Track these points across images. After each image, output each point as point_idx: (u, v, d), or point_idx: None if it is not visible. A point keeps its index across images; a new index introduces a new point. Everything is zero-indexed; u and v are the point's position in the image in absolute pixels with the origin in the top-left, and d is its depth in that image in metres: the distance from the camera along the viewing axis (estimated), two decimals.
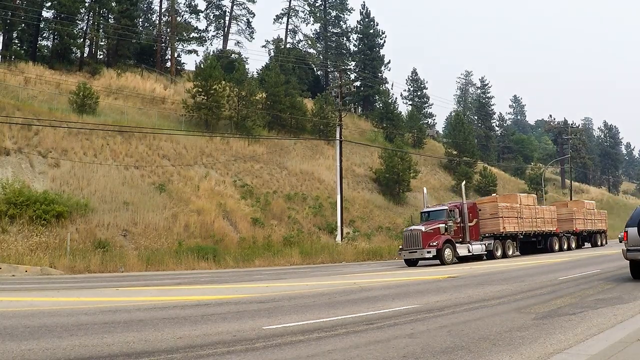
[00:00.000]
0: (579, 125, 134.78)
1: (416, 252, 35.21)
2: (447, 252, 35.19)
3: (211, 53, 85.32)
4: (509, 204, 42.03)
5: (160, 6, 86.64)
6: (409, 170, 67.82)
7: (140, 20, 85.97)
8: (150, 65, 77.68)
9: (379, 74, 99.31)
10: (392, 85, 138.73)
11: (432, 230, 35.76)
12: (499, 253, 39.77)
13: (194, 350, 8.99)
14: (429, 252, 34.64)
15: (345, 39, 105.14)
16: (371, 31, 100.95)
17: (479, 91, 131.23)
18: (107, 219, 39.78)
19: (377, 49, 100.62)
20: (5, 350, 8.92)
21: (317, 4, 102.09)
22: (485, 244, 38.88)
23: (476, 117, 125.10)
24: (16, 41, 68.79)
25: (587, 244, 52.62)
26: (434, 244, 34.80)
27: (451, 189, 77.31)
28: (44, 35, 71.05)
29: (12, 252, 33.08)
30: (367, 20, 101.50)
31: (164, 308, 14.99)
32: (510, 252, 41.04)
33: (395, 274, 27.93)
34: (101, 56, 78.41)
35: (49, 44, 71.37)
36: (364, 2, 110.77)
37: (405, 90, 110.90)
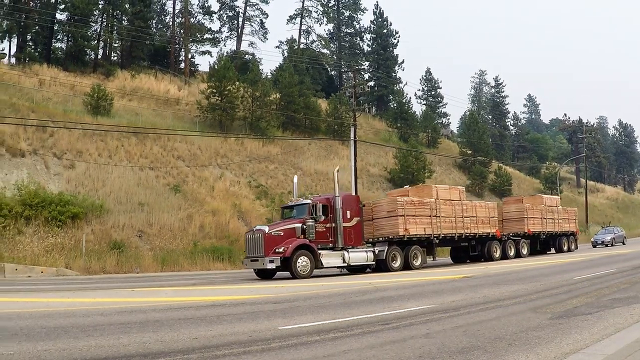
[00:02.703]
0: (593, 124, 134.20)
1: (258, 260, 27.38)
2: (302, 262, 27.03)
3: (225, 54, 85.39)
4: (417, 199, 33.27)
5: (174, 7, 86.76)
6: (424, 170, 67.84)
7: (154, 21, 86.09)
8: (164, 66, 77.82)
9: (393, 74, 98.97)
10: (406, 84, 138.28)
11: (280, 232, 27.75)
12: (396, 263, 30.86)
13: (210, 351, 8.97)
14: (271, 262, 26.65)
15: (358, 39, 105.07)
16: (384, 31, 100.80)
17: (493, 90, 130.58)
18: (122, 220, 39.79)
19: (391, 48, 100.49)
20: (22, 351, 8.92)
21: (330, 4, 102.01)
22: (374, 251, 30.33)
23: (490, 117, 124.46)
24: (30, 43, 69.00)
25: (552, 249, 44.85)
26: (280, 250, 26.79)
27: (466, 189, 76.70)
28: (58, 37, 71.24)
29: (28, 254, 33.18)
30: (380, 20, 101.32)
31: (180, 309, 14.99)
32: (417, 262, 31.96)
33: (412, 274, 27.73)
34: (115, 58, 78.75)
35: (63, 46, 71.62)
36: (377, 2, 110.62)
37: (419, 90, 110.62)
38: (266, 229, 27.96)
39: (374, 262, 30.24)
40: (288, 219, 29.50)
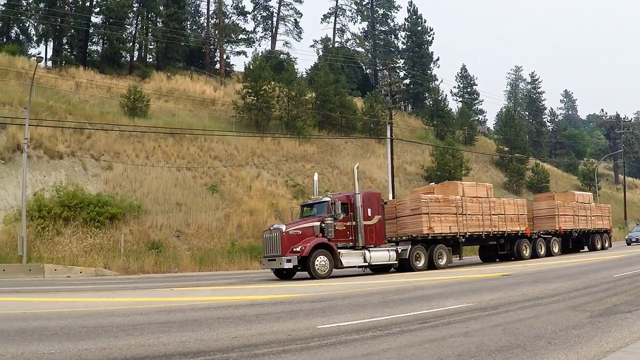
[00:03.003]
0: (631, 120, 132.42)
1: (275, 260, 26.50)
2: (320, 262, 26.10)
3: (260, 54, 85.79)
4: (442, 196, 31.99)
5: (208, 9, 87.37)
6: (461, 168, 67.45)
7: (188, 23, 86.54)
8: (200, 67, 78.28)
9: (428, 71, 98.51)
10: (441, 81, 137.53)
11: (298, 230, 26.78)
12: (420, 263, 29.63)
13: (249, 350, 8.88)
14: (289, 261, 25.78)
15: (393, 36, 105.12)
16: (419, 28, 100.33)
17: (529, 86, 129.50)
18: (160, 220, 39.95)
19: (426, 46, 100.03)
20: (63, 350, 8.89)
21: (364, 3, 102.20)
22: (397, 250, 29.07)
23: (527, 113, 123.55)
24: (66, 47, 69.93)
25: (585, 247, 42.60)
26: (298, 249, 25.91)
27: (503, 186, 76.30)
28: (94, 40, 72.12)
29: (67, 254, 33.45)
30: (414, 17, 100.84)
31: (219, 308, 14.97)
32: (443, 261, 30.65)
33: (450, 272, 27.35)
34: (150, 59, 79.40)
35: (99, 49, 72.46)
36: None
37: (455, 87, 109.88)
38: (283, 227, 26.89)
39: (396, 262, 29.10)
40: (307, 218, 28.45)
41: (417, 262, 29.50)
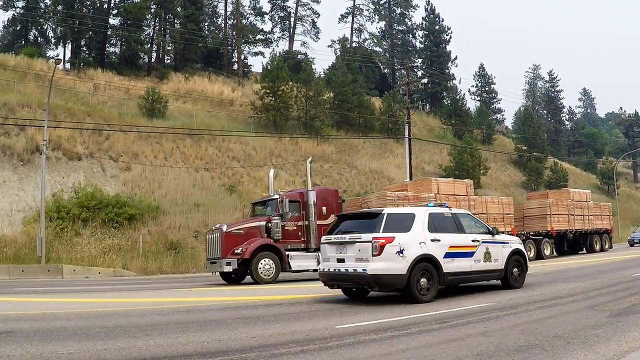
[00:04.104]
0: None
1: (216, 262, 24.70)
2: (264, 265, 24.13)
3: (277, 54, 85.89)
4: (412, 194, 30.01)
5: (225, 9, 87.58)
6: (479, 167, 67.08)
7: (206, 24, 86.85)
8: (218, 68, 78.47)
9: (446, 70, 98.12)
10: (459, 81, 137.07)
11: (241, 230, 24.74)
12: None
13: (268, 350, 8.93)
14: (228, 264, 23.88)
15: (410, 36, 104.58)
16: (437, 27, 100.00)
17: (547, 85, 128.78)
18: (179, 220, 39.99)
19: (443, 45, 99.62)
20: (82, 350, 8.96)
21: (381, 2, 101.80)
22: None
23: (545, 112, 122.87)
24: (84, 49, 70.20)
25: (584, 249, 40.45)
26: (239, 251, 23.97)
27: (522, 185, 75.93)
28: (111, 42, 72.31)
29: (86, 255, 33.50)
30: (432, 16, 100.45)
31: (237, 308, 15.07)
32: None
33: None
34: (168, 61, 79.71)
35: (117, 51, 72.68)
36: None
37: (472, 86, 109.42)
38: (225, 227, 24.85)
39: None
40: (256, 217, 26.58)
41: None
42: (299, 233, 25.78)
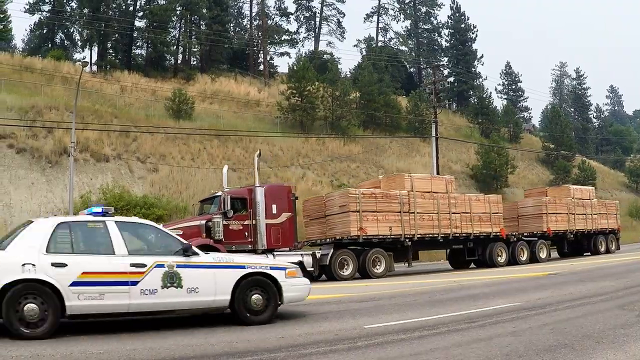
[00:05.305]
0: None
1: None
2: None
3: (303, 55, 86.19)
4: (380, 191, 27.43)
5: (251, 10, 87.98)
6: (506, 166, 66.80)
7: (232, 25, 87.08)
8: (244, 69, 78.69)
9: (473, 69, 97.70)
10: (486, 79, 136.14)
11: (179, 230, 20.79)
12: (347, 271, 25.04)
13: (297, 349, 8.99)
14: None
15: (436, 34, 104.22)
16: (462, 26, 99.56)
17: (574, 82, 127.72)
18: None
19: (469, 43, 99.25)
20: (110, 350, 8.93)
21: (406, 1, 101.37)
22: (314, 255, 24.66)
23: (572, 110, 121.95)
24: (110, 51, 70.81)
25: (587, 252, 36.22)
26: None
27: (549, 184, 75.13)
28: (138, 44, 73.04)
29: None
30: (457, 15, 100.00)
31: None
32: (380, 268, 25.58)
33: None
34: (194, 62, 79.84)
35: (143, 53, 73.41)
36: None
37: (499, 85, 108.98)
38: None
39: (313, 269, 24.10)
40: (200, 216, 24.25)
41: (343, 269, 25.14)
42: (245, 233, 23.41)
